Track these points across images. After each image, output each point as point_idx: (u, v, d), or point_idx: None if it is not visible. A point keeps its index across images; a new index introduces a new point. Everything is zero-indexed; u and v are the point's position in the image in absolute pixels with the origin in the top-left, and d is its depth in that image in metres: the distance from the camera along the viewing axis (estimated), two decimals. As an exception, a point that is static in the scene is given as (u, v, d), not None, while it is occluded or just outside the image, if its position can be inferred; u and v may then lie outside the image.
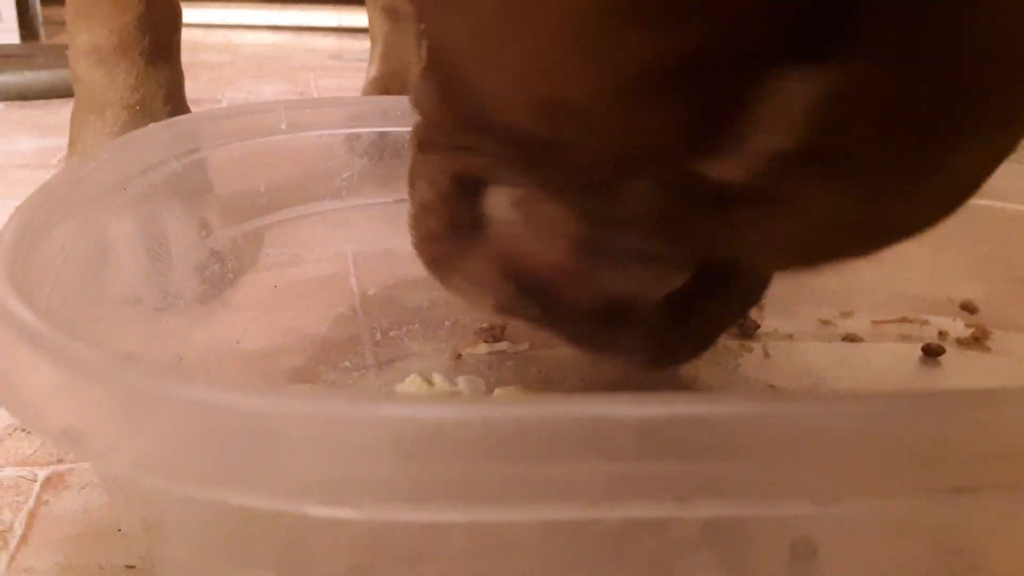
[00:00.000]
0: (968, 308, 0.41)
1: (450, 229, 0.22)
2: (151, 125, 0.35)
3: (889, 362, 0.38)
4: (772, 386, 0.35)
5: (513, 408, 0.14)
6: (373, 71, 0.76)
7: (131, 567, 0.26)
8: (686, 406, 0.14)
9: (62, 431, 0.16)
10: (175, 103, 0.49)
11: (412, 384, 0.33)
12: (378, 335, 0.38)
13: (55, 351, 0.17)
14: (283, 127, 0.39)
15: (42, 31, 1.19)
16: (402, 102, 0.42)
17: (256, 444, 0.14)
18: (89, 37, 0.46)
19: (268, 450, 0.14)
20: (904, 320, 0.40)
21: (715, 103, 0.15)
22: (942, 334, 0.39)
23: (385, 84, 0.75)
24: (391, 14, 0.76)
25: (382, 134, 0.42)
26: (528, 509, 0.14)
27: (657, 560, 0.18)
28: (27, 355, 0.17)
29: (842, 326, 0.40)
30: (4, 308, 0.18)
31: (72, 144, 0.48)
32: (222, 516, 0.18)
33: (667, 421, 0.14)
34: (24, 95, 0.82)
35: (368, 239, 0.47)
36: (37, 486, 0.30)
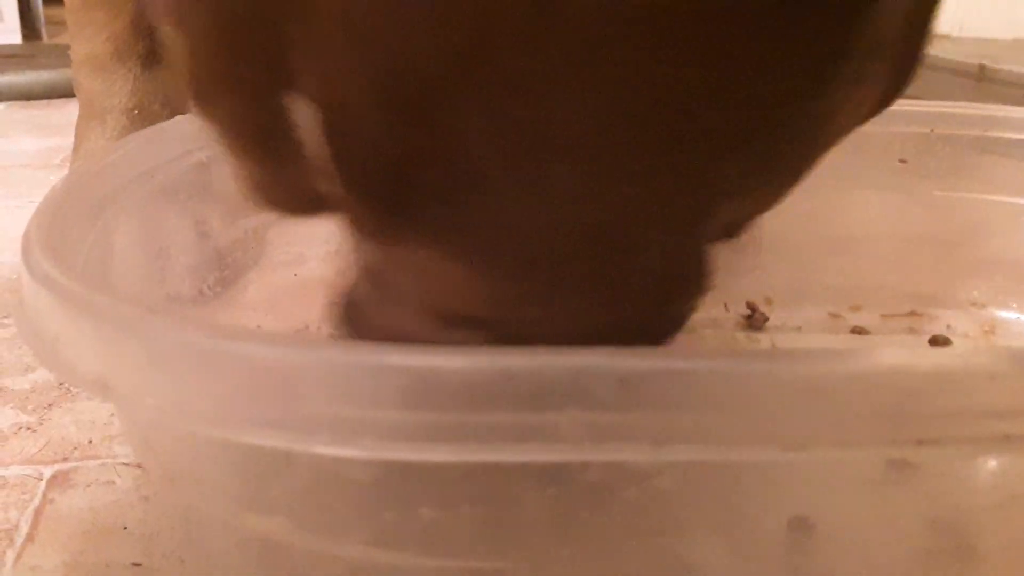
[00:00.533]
0: (975, 304, 0.41)
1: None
2: (175, 119, 0.34)
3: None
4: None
5: (504, 358, 0.15)
6: None
7: (137, 564, 0.26)
8: (663, 360, 0.15)
9: (93, 380, 0.17)
10: (173, 105, 0.50)
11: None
12: (383, 332, 0.38)
13: (85, 305, 0.18)
14: None
15: (44, 31, 1.19)
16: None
17: (272, 388, 0.16)
18: (87, 47, 0.47)
19: (283, 394, 0.16)
20: (912, 314, 0.40)
21: None
22: (949, 328, 0.39)
23: None
24: None
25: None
26: (515, 452, 0.15)
27: (642, 511, 0.19)
28: (59, 310, 0.18)
29: (851, 319, 0.39)
30: (38, 268, 0.19)
31: (76, 150, 0.49)
32: (238, 462, 0.20)
33: (645, 372, 0.15)
34: (26, 95, 0.82)
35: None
36: (43, 484, 0.30)
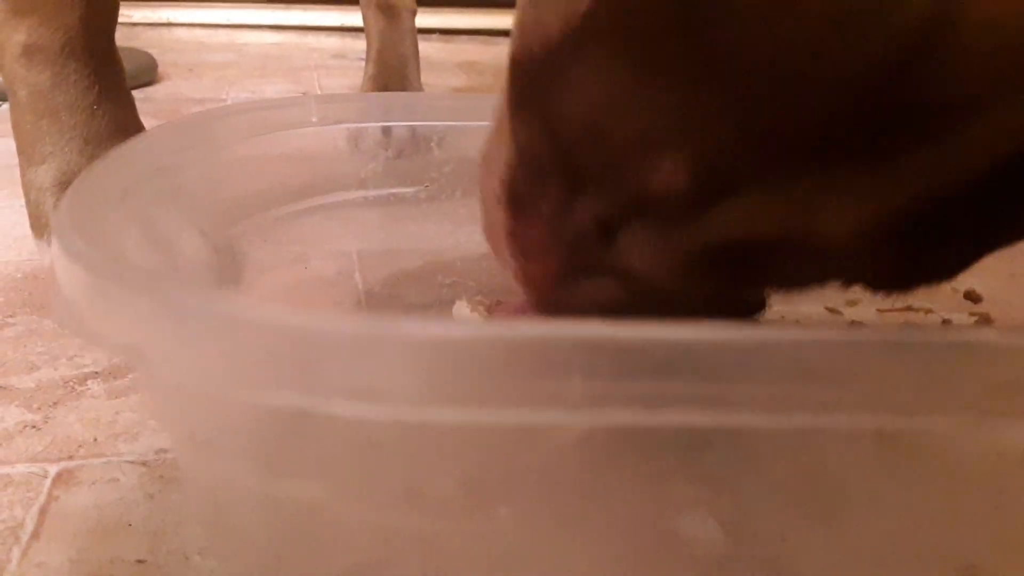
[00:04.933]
0: (972, 297, 0.41)
1: (567, 277, 0.22)
2: (176, 120, 0.34)
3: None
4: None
5: (510, 329, 0.16)
6: (370, 69, 0.76)
7: (142, 561, 0.27)
8: (663, 331, 0.17)
9: (124, 347, 0.18)
10: (126, 98, 0.48)
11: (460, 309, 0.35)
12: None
13: (115, 276, 0.19)
14: (314, 119, 0.40)
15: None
16: (413, 97, 0.42)
17: (296, 355, 0.17)
18: (30, 36, 0.44)
19: (307, 360, 0.17)
20: (909, 309, 0.40)
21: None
22: (946, 322, 0.39)
23: (383, 81, 0.75)
24: (385, 11, 0.76)
25: (386, 129, 0.43)
26: (519, 414, 0.17)
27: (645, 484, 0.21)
28: (91, 283, 0.19)
29: (848, 314, 0.40)
30: (69, 245, 0.20)
31: (25, 153, 0.45)
32: (266, 429, 0.21)
33: (646, 342, 0.16)
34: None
35: (373, 237, 0.47)
36: (48, 482, 0.30)
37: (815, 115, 0.16)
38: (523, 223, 0.22)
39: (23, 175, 0.46)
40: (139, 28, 1.51)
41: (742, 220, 0.18)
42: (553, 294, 0.22)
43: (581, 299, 0.22)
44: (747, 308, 0.23)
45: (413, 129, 0.44)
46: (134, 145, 0.32)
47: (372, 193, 0.45)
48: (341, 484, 0.22)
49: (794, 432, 0.19)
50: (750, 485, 0.22)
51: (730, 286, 0.21)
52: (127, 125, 0.47)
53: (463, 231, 0.47)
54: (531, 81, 0.20)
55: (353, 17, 1.45)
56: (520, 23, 0.20)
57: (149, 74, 1.02)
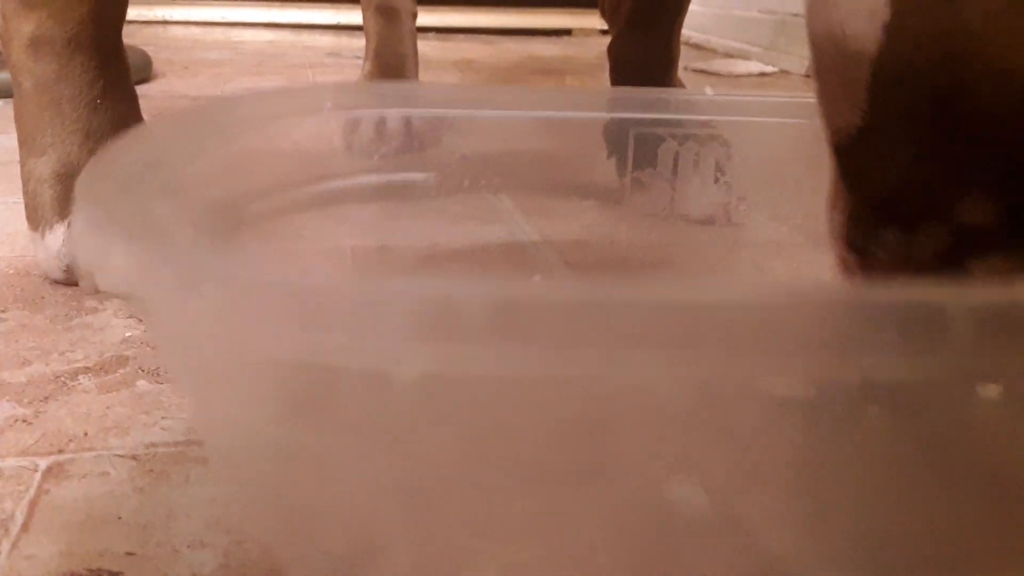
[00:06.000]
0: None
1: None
2: (174, 112, 0.34)
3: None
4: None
5: (509, 288, 0.17)
6: (368, 67, 0.77)
7: (131, 554, 0.26)
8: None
9: (140, 298, 0.19)
10: (129, 94, 0.48)
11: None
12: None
13: (138, 237, 0.20)
14: (329, 105, 0.40)
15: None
16: (409, 87, 0.42)
17: (303, 312, 0.18)
18: (38, 28, 0.44)
19: (313, 316, 0.18)
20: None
21: None
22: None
23: (379, 78, 0.75)
24: (384, 12, 0.76)
25: (381, 119, 0.43)
26: (506, 362, 0.17)
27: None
28: (114, 240, 0.20)
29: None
30: (89, 213, 0.21)
31: (26, 144, 0.46)
32: (271, 375, 0.21)
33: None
34: (23, 93, 0.82)
35: (366, 232, 0.47)
36: (38, 476, 0.30)
37: None
38: (870, 268, 0.26)
39: (23, 165, 0.46)
40: (134, 26, 1.51)
41: None
42: None
43: None
44: None
45: (408, 123, 0.44)
46: (132, 139, 0.31)
47: (368, 186, 0.45)
48: (347, 436, 0.22)
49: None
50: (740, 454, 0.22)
51: None
52: (129, 121, 0.47)
53: (459, 226, 0.47)
54: (845, 156, 0.25)
55: (348, 15, 1.45)
56: (821, 109, 0.25)
57: (144, 71, 1.02)
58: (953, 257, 0.24)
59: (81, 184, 0.23)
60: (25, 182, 0.46)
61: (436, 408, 0.21)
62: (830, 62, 0.24)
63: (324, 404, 0.22)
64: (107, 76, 0.46)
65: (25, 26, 0.44)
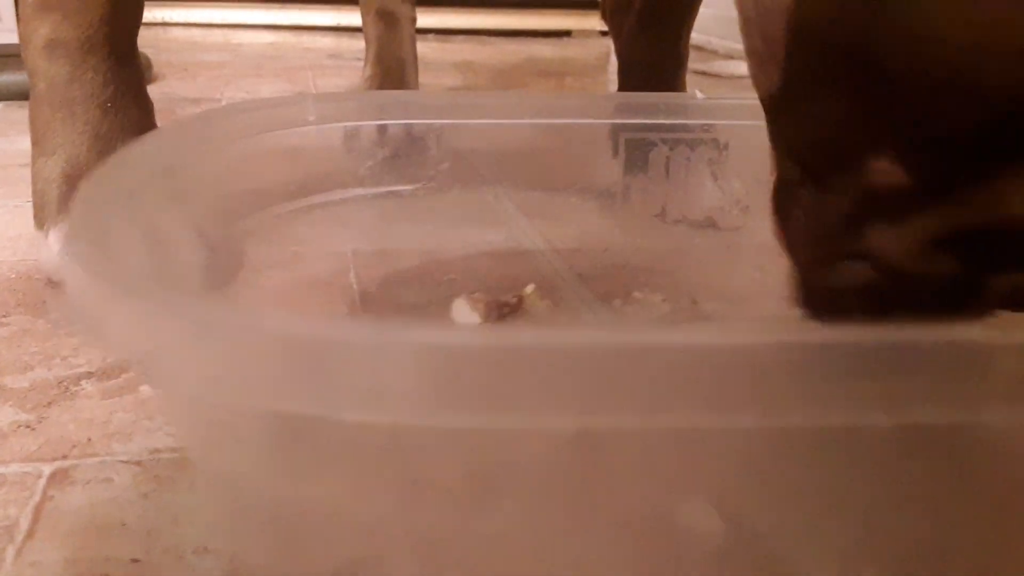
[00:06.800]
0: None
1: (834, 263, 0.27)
2: (180, 119, 0.35)
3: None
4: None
5: (500, 337, 0.18)
6: (368, 71, 0.77)
7: (136, 560, 0.27)
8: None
9: (139, 359, 0.20)
10: (143, 99, 0.48)
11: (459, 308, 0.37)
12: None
13: (132, 290, 0.19)
14: (311, 119, 0.40)
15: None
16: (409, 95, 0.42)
17: (303, 364, 0.18)
18: (53, 30, 0.45)
19: (313, 369, 0.18)
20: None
21: None
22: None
23: (380, 83, 0.75)
24: (385, 17, 0.76)
25: (382, 128, 0.43)
26: (512, 419, 0.18)
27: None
28: (107, 295, 0.19)
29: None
30: (82, 257, 0.21)
31: (38, 144, 0.46)
32: (272, 432, 0.21)
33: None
34: (25, 95, 0.82)
35: (367, 236, 0.47)
36: (42, 482, 0.30)
37: (981, 115, 0.20)
38: (790, 227, 0.27)
39: (33, 164, 0.47)
40: (134, 27, 1.51)
41: (976, 207, 0.21)
42: (820, 278, 0.27)
43: (842, 281, 0.26)
44: (976, 309, 0.26)
45: (409, 127, 0.44)
46: (140, 146, 0.32)
47: (369, 191, 0.45)
48: (346, 484, 0.22)
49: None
50: (751, 477, 0.22)
51: (967, 269, 0.24)
52: (141, 125, 0.47)
53: (458, 230, 0.48)
54: (774, 118, 0.25)
55: (348, 17, 1.44)
56: (753, 77, 0.26)
57: (144, 73, 1.02)
58: (860, 220, 0.24)
59: (77, 207, 0.23)
60: (34, 181, 0.47)
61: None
62: (753, 18, 0.24)
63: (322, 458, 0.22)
64: (119, 80, 0.46)
65: (41, 28, 0.45)
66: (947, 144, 0.21)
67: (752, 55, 0.25)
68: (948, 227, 0.22)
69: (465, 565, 0.23)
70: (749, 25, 0.25)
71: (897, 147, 0.22)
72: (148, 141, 0.32)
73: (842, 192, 0.24)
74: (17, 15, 0.46)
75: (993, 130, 0.20)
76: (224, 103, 0.92)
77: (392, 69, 0.76)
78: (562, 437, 0.21)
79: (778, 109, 0.25)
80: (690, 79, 0.68)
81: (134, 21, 0.48)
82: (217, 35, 1.41)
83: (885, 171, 0.22)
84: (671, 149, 0.49)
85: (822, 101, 0.23)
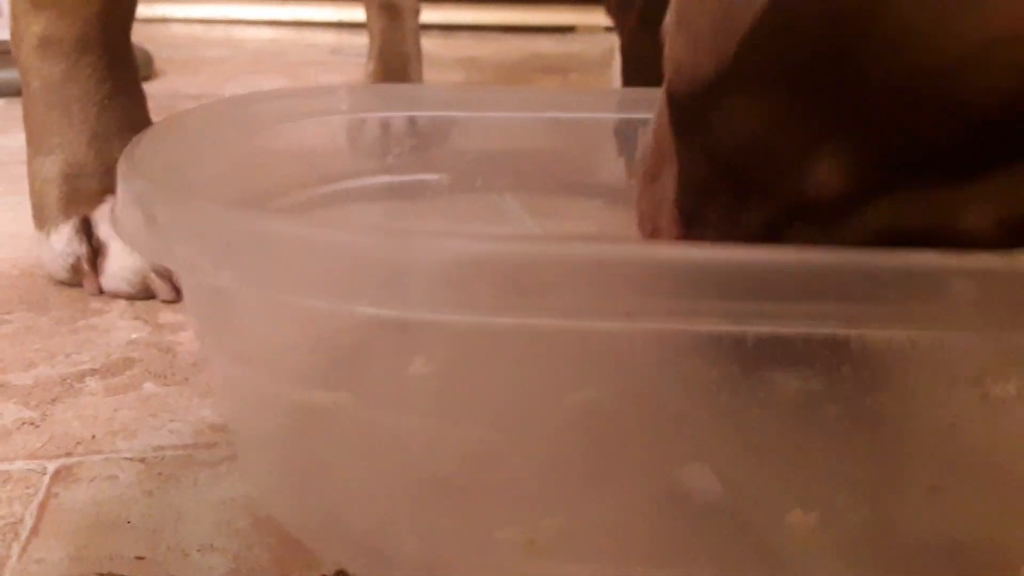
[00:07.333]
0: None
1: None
2: (182, 112, 0.34)
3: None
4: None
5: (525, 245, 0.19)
6: (371, 66, 0.77)
7: (141, 558, 0.26)
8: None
9: (179, 262, 0.21)
10: (138, 95, 0.48)
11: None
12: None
13: (169, 199, 0.21)
14: (343, 108, 0.40)
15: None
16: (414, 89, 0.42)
17: (327, 264, 0.19)
18: (47, 28, 0.44)
19: (336, 268, 0.19)
20: None
21: None
22: None
23: (382, 78, 0.75)
24: (388, 10, 0.76)
25: (388, 123, 0.42)
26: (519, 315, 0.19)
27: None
28: (159, 202, 0.21)
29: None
30: (130, 181, 0.23)
31: (33, 143, 0.46)
32: (300, 337, 0.23)
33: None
34: (26, 92, 0.82)
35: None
36: (47, 479, 0.30)
37: (956, 126, 0.19)
38: (695, 231, 0.26)
39: (29, 164, 0.46)
40: (135, 23, 1.51)
41: (894, 217, 0.21)
42: None
43: None
44: None
45: (415, 122, 0.43)
46: (145, 140, 0.31)
47: (379, 180, 0.45)
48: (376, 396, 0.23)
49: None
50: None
51: None
52: (137, 122, 0.47)
53: (465, 227, 0.47)
54: (690, 111, 0.24)
55: (350, 13, 1.44)
56: (674, 61, 0.24)
57: (145, 70, 1.02)
58: (783, 225, 0.23)
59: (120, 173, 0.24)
60: (31, 181, 0.46)
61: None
62: (709, 7, 0.22)
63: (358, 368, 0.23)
64: (115, 77, 0.46)
65: (34, 26, 0.44)
66: (911, 149, 0.20)
67: (683, 45, 0.23)
68: (859, 239, 0.21)
69: (466, 564, 0.23)
70: (695, 12, 0.23)
71: (850, 151, 0.21)
72: (153, 135, 0.32)
73: (770, 196, 0.23)
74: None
75: (970, 138, 0.19)
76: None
77: (395, 64, 0.76)
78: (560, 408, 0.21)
79: (709, 104, 0.23)
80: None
81: (128, 17, 0.47)
82: (218, 31, 1.40)
83: (823, 177, 0.21)
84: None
85: (772, 99, 0.21)
